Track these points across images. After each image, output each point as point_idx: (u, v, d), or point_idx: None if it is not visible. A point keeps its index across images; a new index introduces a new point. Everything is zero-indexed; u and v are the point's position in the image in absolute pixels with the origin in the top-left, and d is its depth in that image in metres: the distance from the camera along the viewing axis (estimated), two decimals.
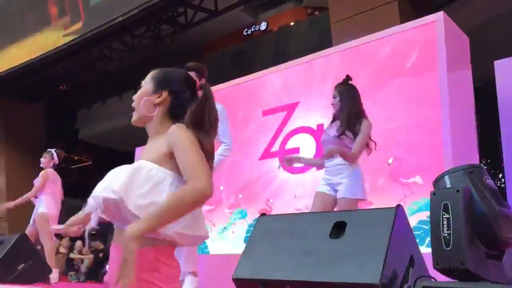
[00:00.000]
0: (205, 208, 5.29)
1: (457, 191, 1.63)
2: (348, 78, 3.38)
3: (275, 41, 10.03)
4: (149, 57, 8.95)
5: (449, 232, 1.59)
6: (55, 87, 10.64)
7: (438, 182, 1.80)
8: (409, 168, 3.73)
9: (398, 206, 1.96)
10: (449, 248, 1.58)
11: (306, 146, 4.51)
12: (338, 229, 2.02)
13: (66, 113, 11.89)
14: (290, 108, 4.76)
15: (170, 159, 1.40)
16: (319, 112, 4.48)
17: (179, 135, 1.40)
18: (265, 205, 4.70)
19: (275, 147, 4.82)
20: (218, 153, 3.41)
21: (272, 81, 5.02)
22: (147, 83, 1.57)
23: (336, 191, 3.18)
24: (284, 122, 4.81)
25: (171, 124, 1.46)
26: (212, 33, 10.08)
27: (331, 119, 4.42)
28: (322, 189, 3.26)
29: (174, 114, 1.51)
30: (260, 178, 4.84)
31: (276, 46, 9.78)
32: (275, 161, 4.77)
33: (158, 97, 1.52)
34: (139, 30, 8.20)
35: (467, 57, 4.13)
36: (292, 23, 10.09)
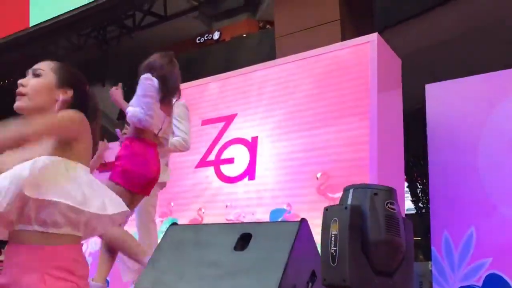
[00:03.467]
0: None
1: (345, 208, 1.65)
2: None
3: (227, 51, 10.07)
4: (95, 57, 8.76)
5: (336, 248, 1.60)
6: None
7: (344, 192, 1.81)
8: (336, 183, 3.79)
9: (303, 220, 1.97)
10: (335, 264, 1.60)
11: (241, 157, 4.51)
12: (244, 241, 2.01)
13: (7, 109, 11.39)
14: (228, 120, 4.75)
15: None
16: (255, 124, 4.50)
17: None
18: (197, 214, 4.64)
19: (211, 156, 4.79)
20: (171, 142, 3.24)
21: (211, 91, 5.00)
22: (48, 73, 1.47)
23: None
24: (221, 133, 4.80)
25: None
26: (165, 39, 9.99)
27: (267, 131, 4.46)
28: None
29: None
30: (193, 187, 4.79)
31: (228, 55, 9.81)
32: (210, 171, 4.73)
33: (62, 94, 1.45)
34: (86, 30, 8.01)
35: (399, 77, 4.28)
36: (244, 35, 10.17)
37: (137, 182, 2.68)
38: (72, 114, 1.38)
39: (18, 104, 1.45)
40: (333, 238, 1.61)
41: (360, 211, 1.64)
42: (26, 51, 8.55)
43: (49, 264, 1.28)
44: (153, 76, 2.90)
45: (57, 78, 1.46)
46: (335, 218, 1.62)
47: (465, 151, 3.99)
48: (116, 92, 2.97)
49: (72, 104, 1.46)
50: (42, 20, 7.64)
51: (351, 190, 1.85)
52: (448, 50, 5.92)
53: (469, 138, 4.01)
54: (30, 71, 1.49)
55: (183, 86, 5.35)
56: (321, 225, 3.24)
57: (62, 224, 1.29)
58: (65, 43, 8.38)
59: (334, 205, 1.76)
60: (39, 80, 1.45)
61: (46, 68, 1.48)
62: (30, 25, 7.84)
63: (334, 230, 1.61)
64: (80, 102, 1.47)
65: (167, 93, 2.94)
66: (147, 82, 2.84)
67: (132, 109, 2.77)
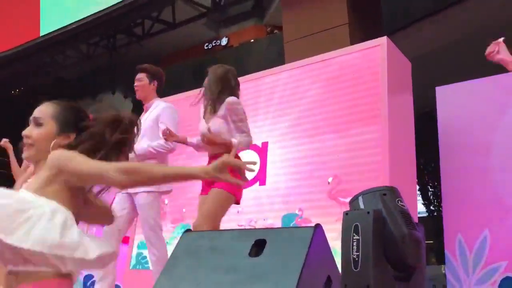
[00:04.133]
0: None
1: (368, 212, 1.64)
2: None
3: (235, 56, 10.10)
4: (105, 66, 8.83)
5: (358, 253, 1.59)
6: (5, 91, 10.29)
7: (353, 202, 1.82)
8: (347, 188, 3.78)
9: (317, 226, 1.96)
10: (357, 269, 1.59)
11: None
12: (258, 247, 2.01)
13: (17, 118, 11.52)
14: None
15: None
16: (265, 130, 4.50)
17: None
18: None
19: None
20: (151, 145, 3.25)
21: None
22: (48, 121, 1.50)
23: None
24: None
25: None
26: (173, 46, 10.07)
27: (277, 136, 4.46)
28: None
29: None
30: None
31: (236, 61, 9.83)
32: None
33: (64, 138, 1.50)
34: (95, 38, 8.08)
35: (409, 80, 4.26)
36: (252, 40, 10.21)
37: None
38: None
39: (27, 154, 1.51)
40: (355, 243, 1.60)
41: (381, 215, 1.64)
42: (37, 60, 8.65)
43: None
44: (234, 95, 3.03)
45: (57, 125, 1.51)
46: (356, 223, 1.62)
47: (478, 153, 3.96)
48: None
49: (76, 146, 1.49)
50: (52, 30, 7.73)
51: (360, 197, 1.86)
52: (458, 51, 5.89)
53: (481, 140, 3.98)
54: (31, 119, 1.53)
55: (191, 93, 5.42)
56: (333, 229, 3.24)
57: None
58: (75, 52, 8.47)
59: (354, 210, 1.75)
60: (41, 131, 1.50)
61: (46, 116, 1.51)
62: (41, 35, 7.94)
63: (356, 235, 1.61)
64: (86, 140, 1.51)
65: None
66: (239, 107, 3.01)
67: (241, 139, 3.00)
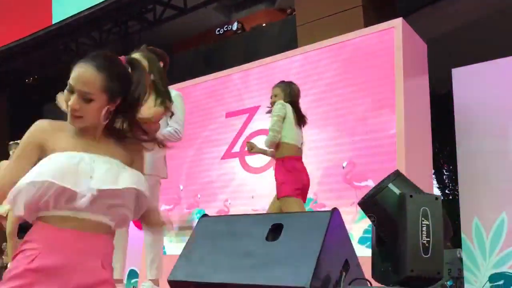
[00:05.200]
0: (163, 207, 5.23)
1: (436, 198, 1.63)
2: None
3: (247, 41, 10.02)
4: (117, 53, 8.83)
5: (428, 239, 1.57)
6: (19, 80, 10.37)
7: (382, 192, 1.79)
8: (362, 172, 3.76)
9: (334, 210, 1.96)
10: (428, 255, 1.57)
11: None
12: (275, 231, 2.01)
13: (32, 107, 11.62)
14: (252, 111, 4.76)
15: None
16: None
17: None
18: (223, 205, 4.68)
19: (236, 148, 4.81)
20: (162, 133, 3.24)
21: (234, 81, 5.00)
22: (100, 95, 1.42)
23: None
24: (245, 124, 4.81)
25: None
26: (184, 31, 10.00)
27: None
28: None
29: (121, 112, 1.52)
30: (219, 178, 4.82)
31: (248, 46, 9.76)
32: (235, 162, 4.75)
33: (114, 104, 1.47)
34: (107, 25, 8.07)
35: (425, 63, 4.20)
36: (264, 24, 10.10)
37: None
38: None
39: (75, 123, 1.47)
40: (424, 229, 1.58)
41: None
42: (50, 48, 8.68)
43: (103, 251, 1.44)
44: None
45: (108, 96, 1.44)
46: (425, 208, 1.59)
47: (494, 135, 3.91)
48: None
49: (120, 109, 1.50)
50: (65, 17, 7.74)
51: (390, 184, 1.83)
52: (474, 33, 5.78)
53: (498, 122, 3.93)
54: (76, 92, 1.42)
55: (204, 78, 5.41)
56: (348, 213, 3.22)
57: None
58: (88, 40, 8.47)
59: (419, 193, 1.72)
60: (93, 106, 1.43)
61: (96, 90, 1.41)
62: (53, 23, 7.95)
63: (425, 220, 1.58)
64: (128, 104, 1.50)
65: None
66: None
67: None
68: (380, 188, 1.95)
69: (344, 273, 1.90)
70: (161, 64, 3.34)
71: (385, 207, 1.80)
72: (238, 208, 4.49)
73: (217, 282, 1.94)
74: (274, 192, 4.47)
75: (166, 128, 3.24)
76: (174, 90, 3.45)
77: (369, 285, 1.98)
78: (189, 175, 5.00)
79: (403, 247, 1.65)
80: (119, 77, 1.46)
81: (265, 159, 4.47)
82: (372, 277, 2.01)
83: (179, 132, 3.22)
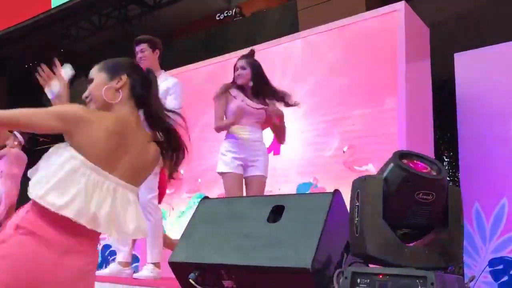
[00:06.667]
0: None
1: (365, 179, 1.65)
2: (253, 51, 3.44)
3: (248, 26, 9.94)
4: (117, 37, 8.76)
5: (358, 219, 1.61)
6: (18, 65, 10.31)
7: (389, 159, 1.77)
8: (363, 156, 3.76)
9: (336, 191, 1.95)
10: (357, 234, 1.61)
11: (265, 133, 4.48)
12: (276, 213, 2.01)
13: (31, 92, 11.58)
14: None
15: None
16: None
17: None
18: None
19: None
20: None
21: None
22: (97, 74, 1.60)
23: (245, 168, 3.15)
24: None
25: (137, 109, 1.58)
26: (184, 16, 9.92)
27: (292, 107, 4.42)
28: (237, 170, 3.18)
29: (137, 94, 1.58)
30: None
31: (248, 31, 9.68)
32: None
33: (118, 82, 1.57)
34: (107, 9, 8.00)
35: (427, 47, 4.16)
36: (264, 9, 10.01)
37: None
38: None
39: (88, 106, 1.59)
40: (356, 210, 1.65)
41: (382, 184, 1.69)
42: (49, 33, 8.61)
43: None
44: None
45: (106, 73, 1.59)
46: (358, 190, 1.65)
47: (496, 121, 3.89)
48: None
49: (131, 87, 1.59)
50: (64, 1, 7.66)
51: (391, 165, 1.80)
52: (477, 17, 5.72)
53: (499, 107, 3.91)
54: (88, 81, 1.63)
55: (205, 63, 5.37)
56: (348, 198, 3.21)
57: None
58: (87, 24, 8.40)
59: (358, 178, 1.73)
60: (95, 82, 1.59)
61: (94, 71, 1.61)
62: (52, 7, 7.88)
63: (357, 202, 1.64)
64: (135, 80, 1.60)
65: None
66: None
67: None
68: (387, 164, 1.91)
69: (345, 255, 1.89)
70: (158, 52, 3.38)
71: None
72: None
73: (218, 263, 1.94)
74: (275, 177, 4.48)
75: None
76: (173, 78, 3.44)
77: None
78: (189, 159, 4.99)
79: None
80: (114, 60, 1.65)
81: (266, 144, 4.45)
82: None
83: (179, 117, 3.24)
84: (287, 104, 3.24)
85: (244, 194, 3.22)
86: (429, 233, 1.68)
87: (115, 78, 1.57)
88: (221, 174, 3.21)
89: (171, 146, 1.60)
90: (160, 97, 3.17)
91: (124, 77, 1.57)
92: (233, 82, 3.29)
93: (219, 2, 10.39)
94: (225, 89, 3.26)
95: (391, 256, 1.57)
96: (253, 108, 3.22)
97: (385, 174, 1.74)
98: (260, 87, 3.26)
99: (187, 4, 8.39)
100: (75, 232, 1.36)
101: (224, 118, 3.26)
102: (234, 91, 3.27)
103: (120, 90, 1.56)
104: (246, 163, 3.17)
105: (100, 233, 1.44)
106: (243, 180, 3.18)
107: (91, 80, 1.60)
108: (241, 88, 3.27)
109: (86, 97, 1.60)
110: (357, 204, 1.63)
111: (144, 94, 1.59)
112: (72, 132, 1.41)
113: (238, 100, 3.23)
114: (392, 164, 1.75)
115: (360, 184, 1.66)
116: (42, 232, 1.32)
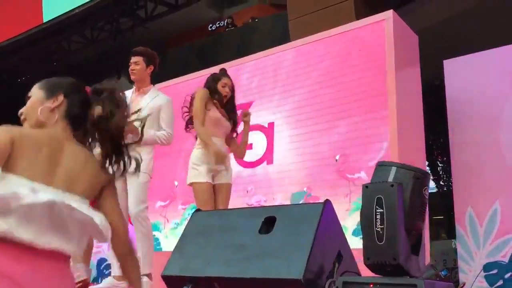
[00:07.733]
0: (159, 203, 5.24)
1: (392, 185, 1.63)
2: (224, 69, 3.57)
3: (239, 36, 10.00)
4: (109, 50, 8.78)
5: (382, 227, 1.59)
6: (11, 79, 10.31)
7: (382, 166, 1.78)
8: (355, 164, 3.78)
9: (326, 201, 1.96)
10: (382, 242, 1.59)
11: (259, 143, 4.51)
12: (268, 224, 2.02)
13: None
14: (245, 107, 4.75)
15: None
16: (270, 110, 4.50)
17: None
18: None
19: None
20: (157, 135, 3.30)
21: None
22: (35, 93, 1.57)
23: (214, 176, 3.25)
24: (239, 120, 4.80)
25: (71, 129, 1.51)
26: (177, 28, 9.97)
27: (283, 116, 4.44)
28: (210, 180, 3.26)
29: (73, 115, 1.53)
30: None
31: (240, 42, 9.74)
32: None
33: (54, 101, 1.54)
34: (99, 23, 8.03)
35: (416, 54, 4.21)
36: (256, 20, 10.08)
37: None
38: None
39: (23, 124, 1.56)
40: (378, 216, 1.64)
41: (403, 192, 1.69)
42: (41, 47, 8.63)
43: None
44: None
45: (43, 91, 1.56)
46: (379, 196, 1.64)
47: (487, 126, 3.93)
48: None
49: (67, 108, 1.55)
50: (56, 16, 7.69)
51: (393, 168, 1.80)
52: (465, 23, 5.80)
53: (490, 113, 3.95)
54: (26, 97, 1.59)
55: (197, 74, 5.39)
56: (342, 206, 3.23)
57: None
58: (79, 38, 8.43)
59: (375, 183, 1.73)
60: (31, 101, 1.56)
61: (35, 88, 1.59)
62: (44, 21, 7.90)
63: (379, 208, 1.63)
64: (72, 100, 1.56)
65: None
66: None
67: None
68: (386, 163, 1.91)
69: (337, 265, 1.90)
70: (152, 68, 3.40)
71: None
72: (233, 201, 4.48)
73: (211, 275, 1.94)
74: (269, 186, 4.49)
75: (160, 131, 3.27)
76: (165, 95, 3.45)
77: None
78: (184, 170, 4.99)
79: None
80: (55, 79, 1.61)
81: (259, 153, 4.49)
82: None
83: (172, 137, 3.31)
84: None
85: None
86: None
87: (51, 98, 1.54)
88: (193, 184, 3.24)
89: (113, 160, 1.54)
90: (151, 112, 3.20)
91: (61, 97, 1.54)
92: (212, 90, 3.37)
93: (211, 12, 10.46)
94: (208, 96, 3.33)
95: (410, 265, 1.58)
96: (227, 121, 3.35)
97: (391, 177, 1.74)
98: (232, 103, 3.45)
99: (178, 16, 8.44)
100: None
101: None
102: (215, 101, 3.36)
103: (55, 110, 1.53)
104: (216, 172, 3.24)
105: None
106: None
107: (28, 97, 1.58)
108: (221, 99, 3.33)
109: (21, 114, 1.58)
110: (380, 210, 1.61)
111: (80, 115, 1.54)
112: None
113: (217, 111, 3.33)
114: (394, 168, 1.76)
115: (385, 191, 1.63)
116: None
